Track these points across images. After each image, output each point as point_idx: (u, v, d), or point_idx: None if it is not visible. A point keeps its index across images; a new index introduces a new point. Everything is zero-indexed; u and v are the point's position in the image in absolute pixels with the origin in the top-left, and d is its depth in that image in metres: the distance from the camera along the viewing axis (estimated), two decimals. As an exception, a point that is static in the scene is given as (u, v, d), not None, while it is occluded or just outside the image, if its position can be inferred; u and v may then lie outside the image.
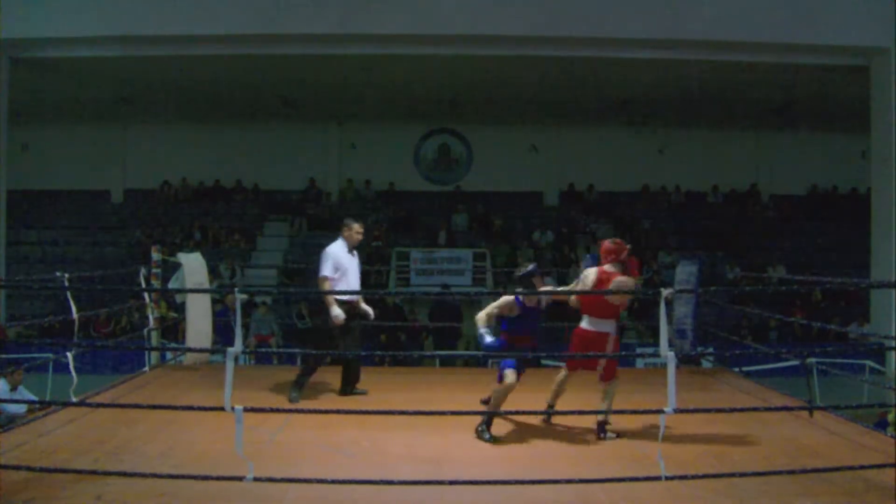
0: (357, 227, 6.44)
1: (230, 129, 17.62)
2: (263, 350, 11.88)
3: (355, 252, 6.45)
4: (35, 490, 4.00)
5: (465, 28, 11.01)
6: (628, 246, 5.28)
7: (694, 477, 4.16)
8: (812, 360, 6.25)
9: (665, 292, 4.33)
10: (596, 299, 5.17)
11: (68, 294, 6.12)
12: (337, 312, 6.09)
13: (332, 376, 6.87)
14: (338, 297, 6.12)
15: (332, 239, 6.64)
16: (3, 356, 10.39)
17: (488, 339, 5.14)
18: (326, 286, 6.19)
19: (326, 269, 6.21)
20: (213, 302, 8.54)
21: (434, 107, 16.48)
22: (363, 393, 6.54)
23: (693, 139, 17.89)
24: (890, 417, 7.64)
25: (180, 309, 8.55)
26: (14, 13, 10.43)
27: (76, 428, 5.30)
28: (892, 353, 10.49)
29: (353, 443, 5.01)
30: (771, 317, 11.72)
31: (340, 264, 6.24)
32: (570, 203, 18.24)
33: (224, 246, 16.34)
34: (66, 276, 5.76)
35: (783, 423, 5.60)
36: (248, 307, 12.54)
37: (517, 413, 5.44)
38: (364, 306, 6.55)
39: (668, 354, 4.11)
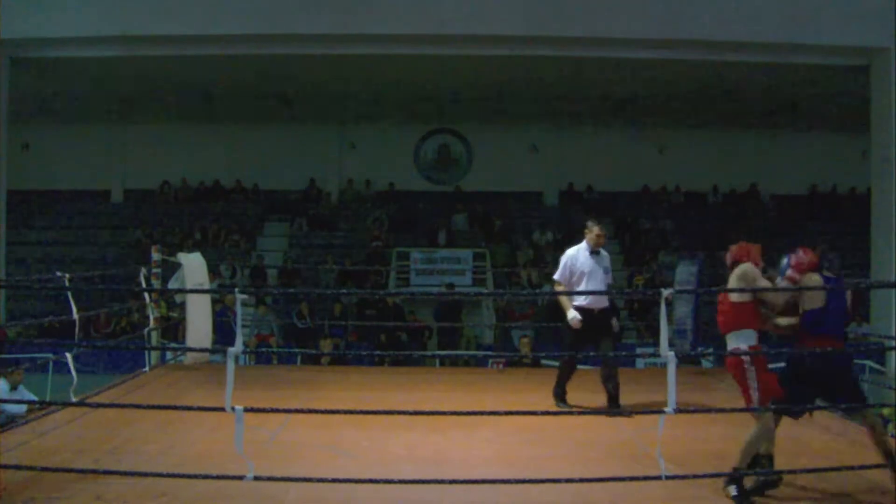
0: (596, 230, 6.13)
1: (230, 129, 17.59)
2: (263, 350, 11.88)
3: (602, 253, 6.17)
4: (35, 490, 4.00)
5: (464, 28, 11.00)
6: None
7: (694, 477, 4.16)
8: (812, 360, 6.23)
9: (665, 292, 4.32)
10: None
11: (69, 294, 6.13)
12: (572, 315, 5.89)
13: (332, 376, 6.87)
14: (574, 300, 5.93)
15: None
16: (3, 356, 10.39)
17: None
18: (558, 289, 6.16)
19: (557, 272, 6.16)
20: (213, 302, 8.55)
21: (434, 107, 16.46)
22: (621, 413, 5.86)
23: (693, 139, 17.86)
24: (885, 412, 7.65)
25: (180, 309, 8.55)
26: (14, 13, 10.42)
27: (76, 428, 5.30)
28: (892, 353, 10.49)
29: (353, 443, 5.01)
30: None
31: (577, 267, 6.04)
32: (570, 203, 18.20)
33: (224, 246, 16.34)
34: (67, 275, 5.77)
35: (783, 423, 5.59)
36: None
37: (517, 413, 5.43)
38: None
39: (668, 355, 4.10)
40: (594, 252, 6.08)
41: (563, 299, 5.98)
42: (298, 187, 18.22)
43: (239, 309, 4.69)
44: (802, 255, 4.39)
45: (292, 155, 17.98)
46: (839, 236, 16.68)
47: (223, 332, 9.17)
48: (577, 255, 6.09)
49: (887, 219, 11.17)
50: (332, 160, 18.36)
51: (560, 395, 6.16)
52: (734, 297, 4.28)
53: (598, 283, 6.02)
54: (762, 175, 18.39)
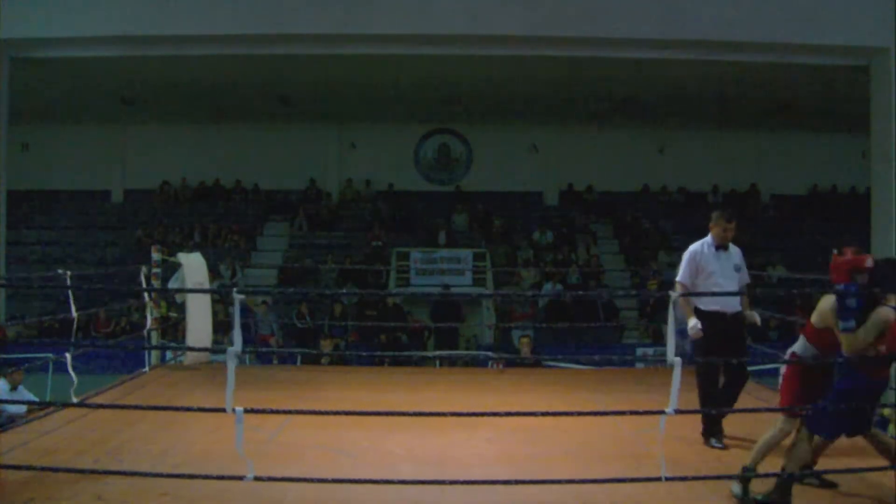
0: (724, 223, 5.19)
1: (230, 129, 17.60)
2: (263, 350, 11.88)
3: (731, 249, 5.28)
4: (35, 490, 4.00)
5: (464, 28, 10.99)
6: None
7: (694, 477, 4.16)
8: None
9: (673, 295, 4.28)
10: None
11: (69, 292, 6.12)
12: (692, 324, 5.01)
13: (332, 376, 6.86)
14: (700, 305, 5.10)
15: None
16: (3, 356, 10.38)
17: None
18: (680, 292, 4.99)
19: (680, 273, 5.25)
20: (214, 302, 8.55)
21: (434, 107, 16.46)
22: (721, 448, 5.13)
23: (693, 139, 17.86)
24: (885, 412, 7.66)
25: (180, 308, 8.55)
26: (14, 13, 10.42)
27: (76, 428, 5.30)
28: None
29: (353, 443, 5.01)
30: (771, 317, 11.69)
31: (702, 266, 5.18)
32: (570, 203, 18.22)
33: (224, 246, 16.34)
34: (69, 273, 5.77)
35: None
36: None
37: (517, 414, 5.43)
38: (748, 312, 5.28)
39: (675, 360, 4.03)
40: (720, 248, 5.23)
41: (685, 304, 5.03)
42: (298, 187, 18.23)
43: (237, 309, 4.67)
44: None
45: (292, 155, 18.00)
46: (839, 236, 16.68)
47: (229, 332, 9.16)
48: (700, 250, 5.22)
49: (887, 219, 11.15)
50: (332, 160, 18.37)
51: (710, 430, 5.13)
52: None
53: (727, 280, 5.18)
54: (762, 175, 18.40)
